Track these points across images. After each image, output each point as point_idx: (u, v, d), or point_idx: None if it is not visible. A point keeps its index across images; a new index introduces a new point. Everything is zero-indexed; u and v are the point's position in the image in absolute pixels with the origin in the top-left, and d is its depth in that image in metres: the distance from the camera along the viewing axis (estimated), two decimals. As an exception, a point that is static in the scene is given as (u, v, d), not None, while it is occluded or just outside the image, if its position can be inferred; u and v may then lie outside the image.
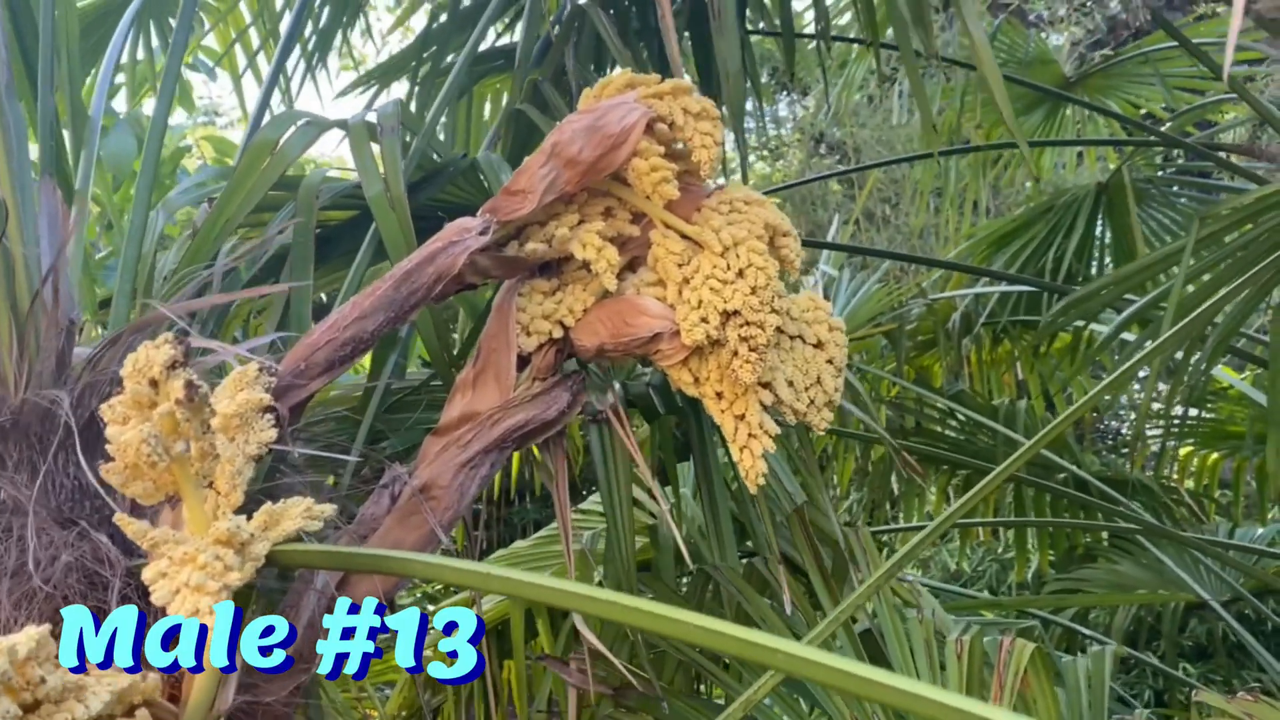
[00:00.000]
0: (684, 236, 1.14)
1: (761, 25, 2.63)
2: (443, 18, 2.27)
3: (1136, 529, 2.67)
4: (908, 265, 5.69)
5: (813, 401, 1.15)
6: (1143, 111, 4.42)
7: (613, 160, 1.12)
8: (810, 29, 3.42)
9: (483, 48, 2.50)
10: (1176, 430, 3.96)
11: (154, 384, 0.81)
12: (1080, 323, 3.88)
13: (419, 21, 2.97)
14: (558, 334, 1.18)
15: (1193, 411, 3.88)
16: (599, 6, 1.67)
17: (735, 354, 1.08)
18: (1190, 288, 2.14)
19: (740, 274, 1.09)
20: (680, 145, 1.17)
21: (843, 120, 5.92)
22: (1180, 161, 4.71)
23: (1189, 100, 3.96)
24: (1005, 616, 3.16)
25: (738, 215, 1.14)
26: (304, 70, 2.36)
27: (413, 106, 2.32)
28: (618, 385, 1.43)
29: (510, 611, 2.40)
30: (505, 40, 2.59)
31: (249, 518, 0.84)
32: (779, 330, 1.12)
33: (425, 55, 2.33)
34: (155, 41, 2.67)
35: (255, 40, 2.66)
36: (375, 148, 1.35)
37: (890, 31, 2.49)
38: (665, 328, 1.12)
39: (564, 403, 1.20)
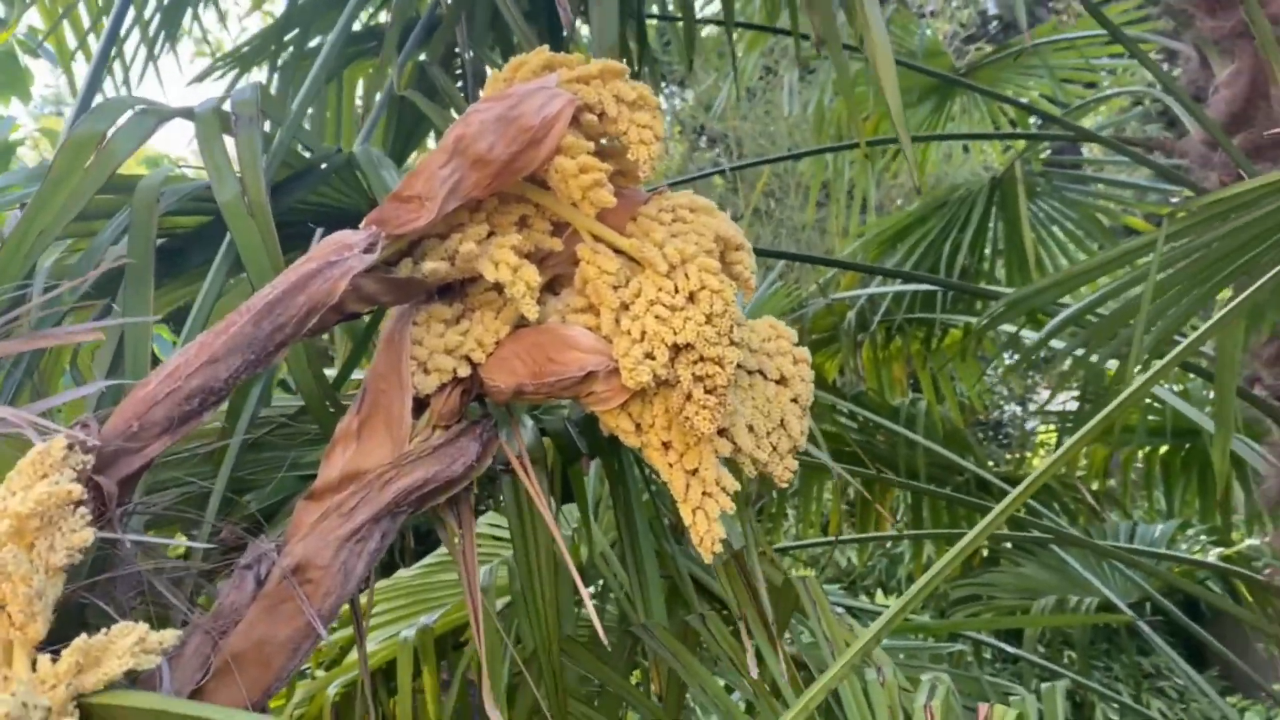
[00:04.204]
0: (619, 252, 0.94)
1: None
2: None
3: (1048, 538, 2.58)
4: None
5: (775, 448, 0.96)
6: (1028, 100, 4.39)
7: (531, 159, 0.90)
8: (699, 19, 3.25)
9: (355, 28, 2.25)
10: (1070, 426, 3.95)
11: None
12: (972, 319, 3.84)
13: (279, 5, 2.69)
14: (464, 372, 0.96)
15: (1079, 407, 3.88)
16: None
17: (689, 397, 0.87)
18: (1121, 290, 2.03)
19: (691, 298, 0.89)
20: (611, 140, 0.96)
21: (725, 113, 5.78)
22: (1065, 157, 4.72)
23: (1080, 94, 3.94)
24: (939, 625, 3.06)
25: (683, 226, 0.94)
26: (146, 55, 2.06)
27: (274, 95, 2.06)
28: (529, 423, 1.22)
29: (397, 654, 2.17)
30: (380, 20, 2.34)
31: (56, 655, 0.61)
32: (738, 366, 0.92)
33: (287, 38, 2.06)
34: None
35: (90, 21, 2.33)
36: (229, 142, 1.11)
37: (785, 19, 2.33)
38: (600, 365, 0.91)
39: (472, 455, 0.98)
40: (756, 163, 4.07)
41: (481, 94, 0.95)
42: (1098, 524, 3.48)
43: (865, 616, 2.97)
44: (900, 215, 3.89)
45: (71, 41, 2.03)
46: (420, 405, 0.98)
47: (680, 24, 2.44)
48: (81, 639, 0.61)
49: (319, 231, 1.41)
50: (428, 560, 2.65)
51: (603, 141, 0.97)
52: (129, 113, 1.01)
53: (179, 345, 1.06)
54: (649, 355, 0.88)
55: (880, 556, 5.88)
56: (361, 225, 0.91)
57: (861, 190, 4.59)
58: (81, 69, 2.19)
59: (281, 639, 0.91)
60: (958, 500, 2.93)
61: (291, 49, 2.04)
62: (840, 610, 1.92)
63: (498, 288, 0.95)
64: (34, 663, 0.60)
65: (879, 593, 5.64)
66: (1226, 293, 1.73)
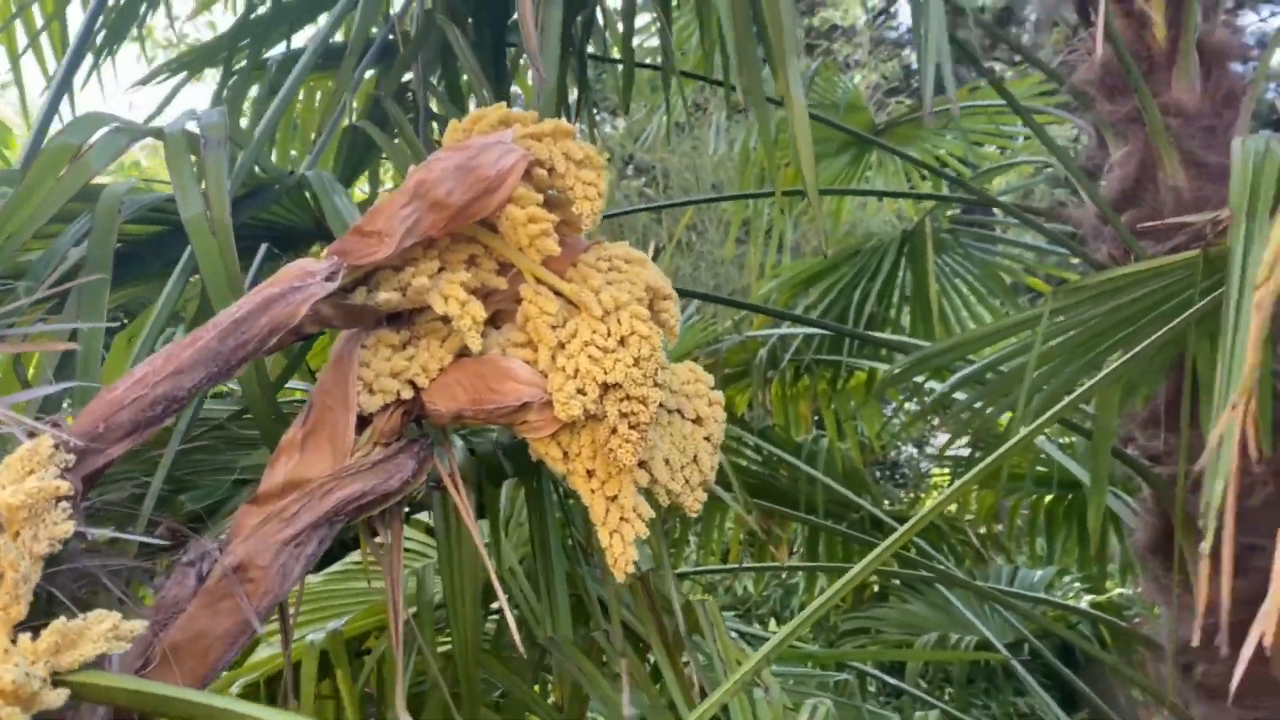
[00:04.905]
0: (558, 294, 1.03)
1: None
2: (261, 9, 2.07)
3: (930, 576, 2.73)
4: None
5: (688, 481, 1.06)
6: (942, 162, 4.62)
7: (485, 205, 0.99)
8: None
9: (303, 43, 2.30)
10: (962, 471, 4.14)
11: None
12: (876, 364, 4.03)
13: (220, 11, 2.73)
14: (407, 394, 1.04)
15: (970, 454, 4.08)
16: (449, 18, 1.52)
17: (614, 431, 0.97)
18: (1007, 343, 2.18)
19: (622, 342, 0.98)
20: (557, 193, 1.05)
21: (654, 145, 5.92)
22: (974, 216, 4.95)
23: (993, 157, 4.16)
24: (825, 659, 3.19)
25: (618, 275, 1.04)
26: (94, 58, 2.09)
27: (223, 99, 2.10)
28: (459, 443, 1.30)
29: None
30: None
31: (35, 634, 0.67)
32: (660, 405, 1.02)
33: (240, 45, 2.11)
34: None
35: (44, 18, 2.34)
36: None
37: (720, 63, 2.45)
38: (536, 396, 1.00)
39: (408, 471, 1.06)
40: (682, 203, 4.20)
41: (442, 142, 1.04)
42: (982, 566, 3.66)
43: (757, 643, 3.09)
44: (815, 261, 4.06)
45: (22, 39, 2.05)
46: (363, 422, 1.06)
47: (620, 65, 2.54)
48: (60, 621, 0.67)
49: (264, 246, 1.48)
50: (335, 567, 2.69)
51: (551, 192, 1.06)
52: (103, 129, 1.07)
53: (137, 346, 1.11)
54: (581, 391, 0.97)
55: (776, 587, 6.04)
56: (324, 254, 0.99)
57: (780, 230, 4.76)
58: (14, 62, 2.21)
59: (219, 633, 0.98)
60: (851, 537, 3.07)
61: (243, 60, 2.09)
62: (734, 634, 2.03)
63: (444, 319, 1.03)
64: (14, 640, 0.66)
65: (772, 622, 5.78)
66: (1116, 355, 1.88)
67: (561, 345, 1.00)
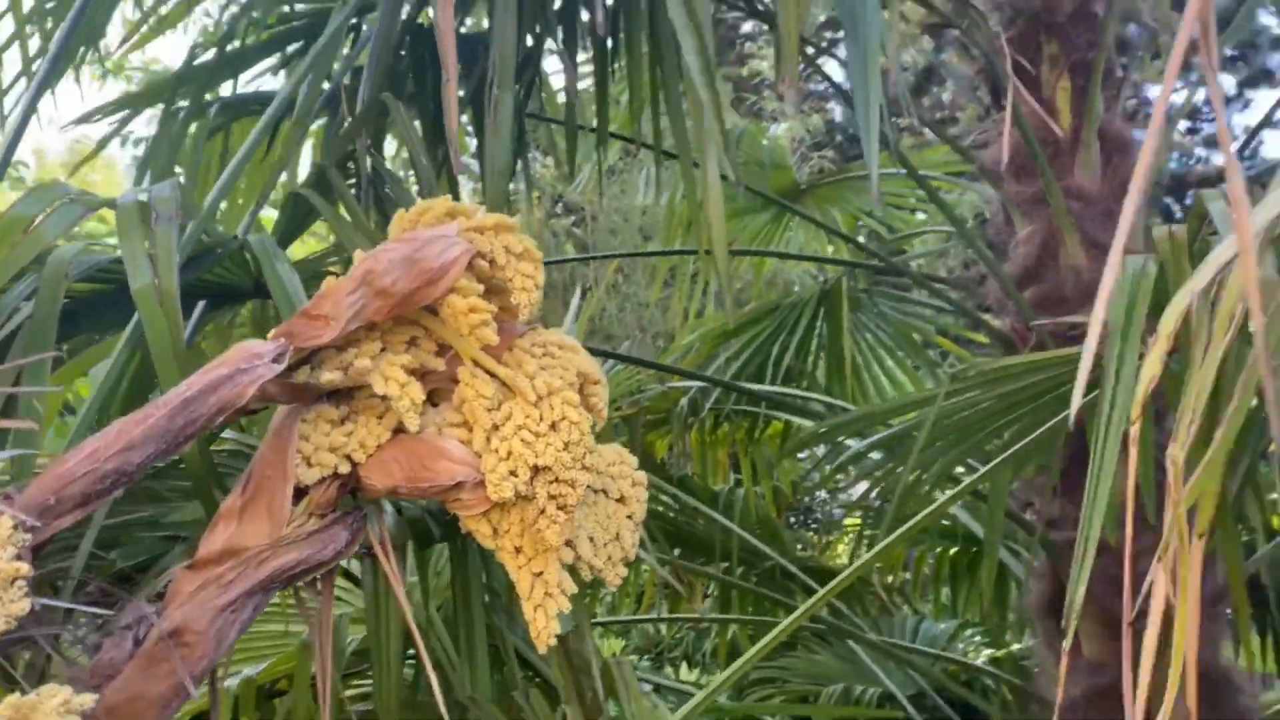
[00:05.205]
0: (494, 377, 1.09)
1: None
2: (207, 55, 2.11)
3: (821, 629, 2.84)
4: (647, 339, 5.88)
5: (610, 557, 1.12)
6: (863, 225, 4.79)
7: (428, 294, 1.05)
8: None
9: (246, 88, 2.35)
10: (872, 518, 4.28)
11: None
12: (791, 416, 4.17)
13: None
14: (344, 469, 1.09)
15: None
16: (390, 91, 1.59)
17: (543, 512, 1.03)
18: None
19: (553, 427, 1.05)
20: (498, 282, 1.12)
21: (585, 188, 6.01)
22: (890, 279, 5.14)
23: (912, 223, 4.34)
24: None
25: (551, 360, 1.10)
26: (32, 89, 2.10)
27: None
28: (389, 509, 1.34)
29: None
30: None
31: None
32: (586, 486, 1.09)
33: (180, 90, 2.14)
34: None
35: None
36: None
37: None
38: (469, 476, 1.05)
39: (342, 542, 1.11)
40: (608, 256, 4.31)
41: (389, 233, 1.10)
42: (887, 618, 3.77)
43: (671, 693, 3.16)
44: (737, 314, 4.17)
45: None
46: (300, 493, 1.10)
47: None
48: (15, 696, 0.71)
49: (202, 304, 1.52)
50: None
51: (492, 279, 1.12)
52: (59, 200, 1.11)
53: (79, 414, 1.15)
54: (513, 473, 1.03)
55: (688, 630, 6.10)
56: (270, 336, 1.04)
57: (705, 278, 4.87)
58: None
59: (154, 696, 1.02)
60: (761, 594, 3.19)
61: (185, 103, 2.12)
62: (648, 688, 2.09)
63: (383, 397, 1.08)
64: (-32, 716, 0.70)
65: (684, 665, 5.84)
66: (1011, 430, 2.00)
67: (496, 428, 1.06)
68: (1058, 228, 2.64)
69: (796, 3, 1.47)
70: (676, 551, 4.09)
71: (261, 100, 2.32)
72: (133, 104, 2.19)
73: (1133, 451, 0.83)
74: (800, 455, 5.33)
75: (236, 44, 2.14)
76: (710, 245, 1.64)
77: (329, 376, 1.06)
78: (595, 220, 6.99)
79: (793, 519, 7.07)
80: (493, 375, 1.09)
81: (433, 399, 1.14)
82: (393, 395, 1.05)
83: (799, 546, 6.18)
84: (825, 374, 4.30)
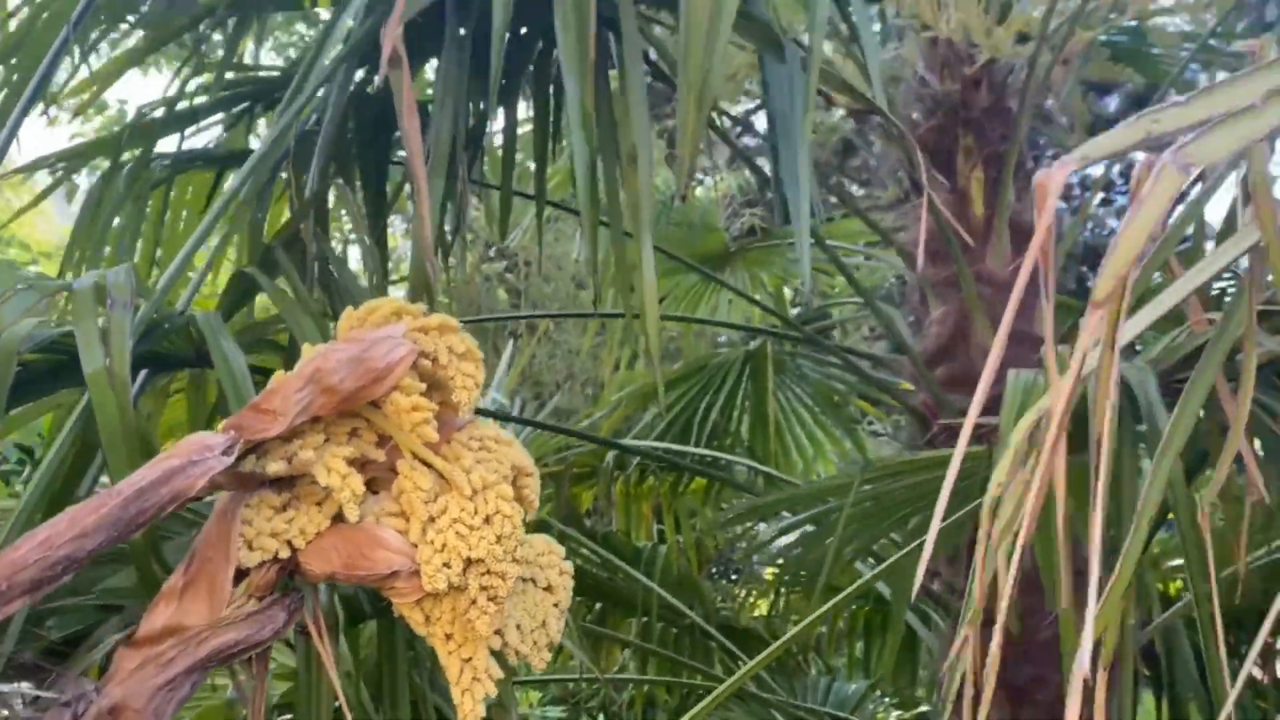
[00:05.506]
0: (431, 468, 1.15)
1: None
2: (158, 113, 2.16)
3: (711, 686, 2.93)
4: (577, 386, 5.96)
5: (536, 643, 1.19)
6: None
7: (373, 392, 1.12)
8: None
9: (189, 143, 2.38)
10: (788, 578, 4.39)
11: None
12: (714, 472, 4.29)
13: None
14: (285, 554, 1.14)
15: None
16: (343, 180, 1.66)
17: (474, 603, 1.10)
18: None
19: (487, 520, 1.11)
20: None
21: (521, 238, 6.09)
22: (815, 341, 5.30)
23: (832, 282, 4.51)
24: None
25: (487, 454, 1.17)
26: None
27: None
28: (322, 587, 1.39)
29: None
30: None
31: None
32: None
33: (124, 146, 2.18)
34: None
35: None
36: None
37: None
38: (405, 565, 1.11)
39: (279, 623, 1.16)
40: (541, 315, 4.41)
41: (336, 332, 1.17)
42: (800, 676, 3.87)
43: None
44: (665, 372, 4.27)
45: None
46: (240, 574, 1.15)
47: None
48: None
49: (145, 372, 1.56)
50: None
51: (435, 376, 1.19)
52: (16, 288, 1.16)
53: (23, 498, 1.18)
54: (447, 565, 1.10)
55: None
56: (221, 428, 1.09)
57: (637, 331, 4.98)
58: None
59: (89, 773, 1.05)
60: (679, 661, 3.33)
61: (131, 158, 2.16)
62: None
63: (325, 487, 1.14)
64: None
65: (601, 717, 5.86)
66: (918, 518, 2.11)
67: (432, 519, 1.12)
68: (969, 310, 2.79)
69: (697, 108, 1.56)
70: (598, 606, 4.18)
71: (206, 157, 2.36)
72: (77, 156, 2.22)
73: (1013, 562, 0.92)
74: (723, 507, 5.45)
75: (184, 104, 2.19)
76: (641, 310, 1.70)
77: (275, 467, 1.11)
78: (529, 265, 7.07)
79: (715, 569, 7.17)
80: (431, 467, 1.15)
81: (372, 486, 1.20)
82: (334, 487, 1.11)
83: (718, 599, 6.28)
84: (749, 431, 4.43)
